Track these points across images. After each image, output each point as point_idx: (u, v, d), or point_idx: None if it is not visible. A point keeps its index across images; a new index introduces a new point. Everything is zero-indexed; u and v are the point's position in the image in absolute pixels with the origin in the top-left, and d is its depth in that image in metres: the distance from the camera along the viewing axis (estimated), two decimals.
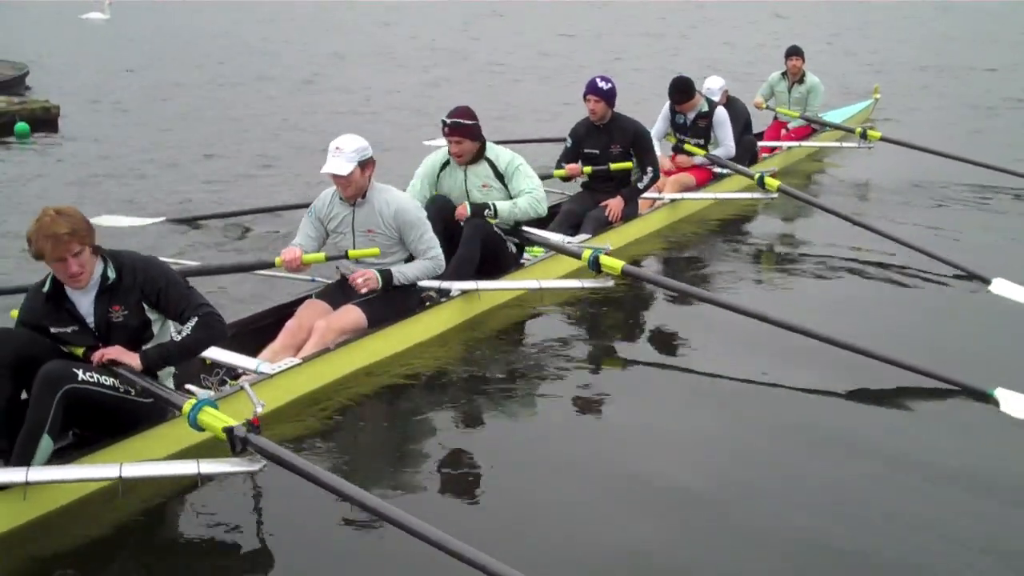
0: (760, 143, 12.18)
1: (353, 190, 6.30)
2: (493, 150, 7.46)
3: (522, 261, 7.83)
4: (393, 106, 18.48)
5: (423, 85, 21.57)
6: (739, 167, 10.29)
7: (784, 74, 12.97)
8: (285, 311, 6.52)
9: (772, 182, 9.78)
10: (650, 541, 4.61)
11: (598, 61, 25.25)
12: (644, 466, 5.28)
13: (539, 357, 6.75)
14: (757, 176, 9.84)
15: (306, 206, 6.79)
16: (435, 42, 32.14)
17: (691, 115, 10.25)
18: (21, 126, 14.69)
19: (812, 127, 13.14)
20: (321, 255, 6.41)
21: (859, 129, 12.47)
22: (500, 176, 7.43)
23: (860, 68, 24.32)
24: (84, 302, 4.85)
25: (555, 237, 8.01)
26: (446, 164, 7.52)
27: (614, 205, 8.83)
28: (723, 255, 9.23)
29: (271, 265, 6.53)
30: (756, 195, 9.90)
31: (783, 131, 13.06)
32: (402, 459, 5.49)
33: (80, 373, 4.67)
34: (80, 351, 4.85)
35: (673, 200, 9.80)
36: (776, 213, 10.68)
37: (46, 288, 4.85)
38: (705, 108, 10.26)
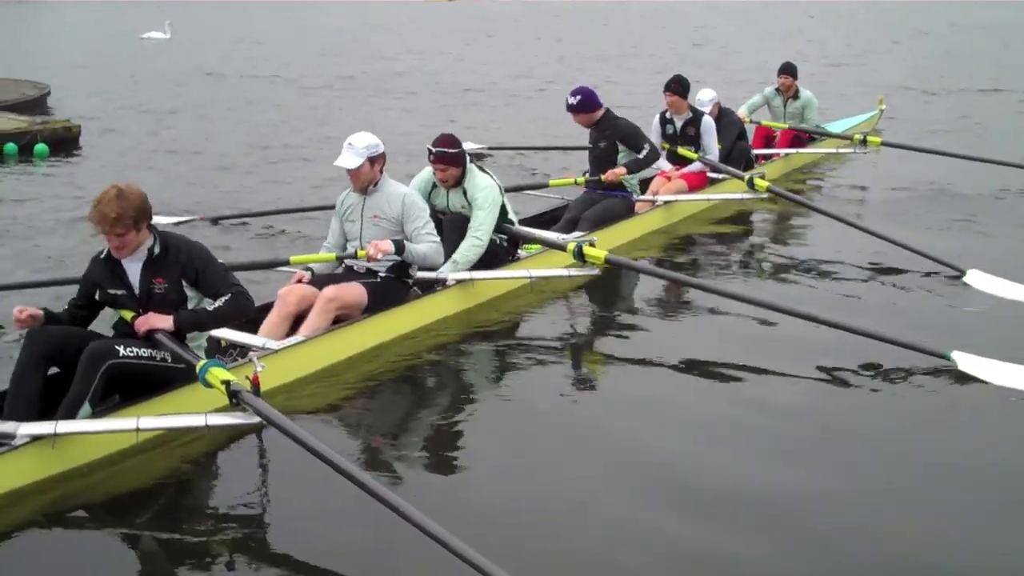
0: (757, 151, 12.61)
1: (362, 182, 6.98)
2: (472, 178, 7.89)
3: (518, 257, 8.38)
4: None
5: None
6: (731, 169, 10.83)
7: (778, 89, 13.40)
8: None
9: (761, 183, 10.31)
10: (643, 522, 4.84)
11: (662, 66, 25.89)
12: (635, 444, 5.62)
13: (532, 343, 7.28)
14: (747, 178, 10.38)
15: (324, 208, 7.47)
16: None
17: (679, 122, 10.82)
18: (40, 148, 14.95)
19: (807, 136, 13.51)
20: (332, 255, 7.13)
21: (858, 136, 12.93)
22: (469, 202, 7.91)
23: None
24: (133, 270, 5.56)
25: (543, 232, 8.58)
26: (436, 184, 8.05)
27: (614, 170, 9.52)
28: (713, 250, 9.78)
29: (286, 263, 7.28)
30: (747, 195, 10.40)
31: (773, 140, 13.40)
32: (393, 436, 5.97)
33: (121, 349, 5.37)
34: (128, 316, 5.54)
35: (667, 202, 10.31)
36: (769, 215, 11.19)
37: (103, 255, 5.58)
38: (691, 115, 10.83)
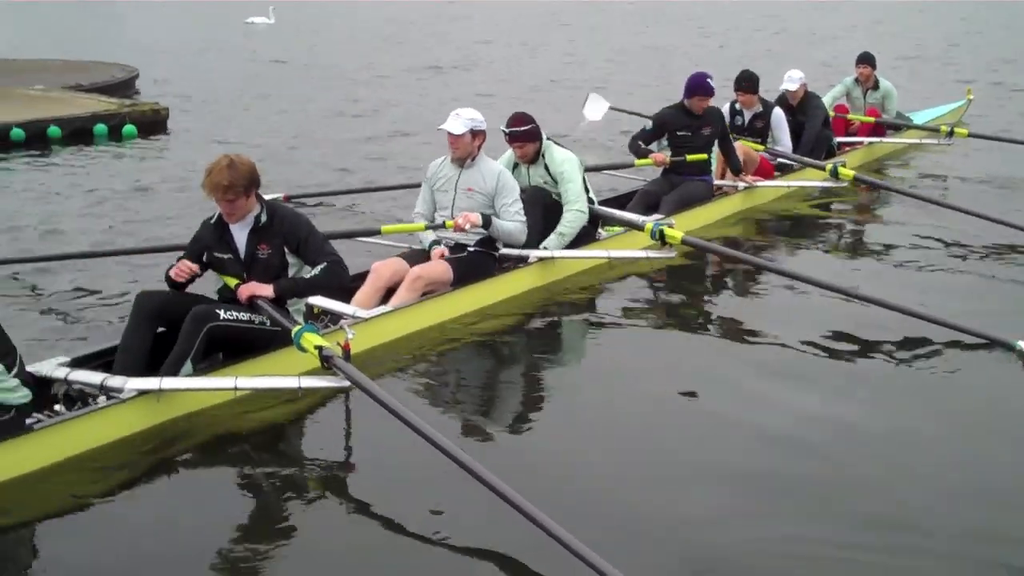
0: (838, 139, 12.55)
1: (461, 152, 7.23)
2: (550, 152, 8.14)
3: (598, 236, 8.54)
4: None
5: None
6: (807, 160, 10.86)
7: (857, 80, 13.31)
8: None
9: (846, 171, 10.35)
10: (714, 499, 4.88)
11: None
12: (706, 423, 5.72)
13: (609, 321, 7.43)
14: (830, 167, 10.41)
15: (408, 187, 7.68)
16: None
17: (748, 115, 10.87)
18: (128, 129, 15.37)
19: (888, 126, 13.40)
20: (422, 225, 7.37)
21: (944, 127, 12.84)
22: (553, 177, 8.15)
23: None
24: (240, 236, 5.92)
25: (623, 212, 8.71)
26: (517, 163, 8.27)
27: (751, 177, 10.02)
28: (792, 236, 9.80)
29: (377, 232, 7.66)
30: (829, 183, 10.43)
31: (853, 130, 13.25)
32: (472, 404, 6.18)
33: (222, 313, 5.71)
34: (232, 283, 5.86)
35: (747, 187, 10.37)
36: (848, 203, 11.14)
37: (213, 220, 5.95)
38: (760, 109, 10.88)
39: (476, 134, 7.25)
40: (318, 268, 5.87)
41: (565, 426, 5.77)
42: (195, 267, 5.92)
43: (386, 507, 4.81)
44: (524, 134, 8.00)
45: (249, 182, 5.72)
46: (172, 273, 5.92)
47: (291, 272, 5.95)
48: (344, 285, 6.24)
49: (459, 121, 7.20)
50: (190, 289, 6.03)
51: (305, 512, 4.83)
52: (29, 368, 5.55)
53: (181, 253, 6.12)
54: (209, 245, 5.98)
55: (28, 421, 5.20)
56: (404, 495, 4.93)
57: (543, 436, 5.67)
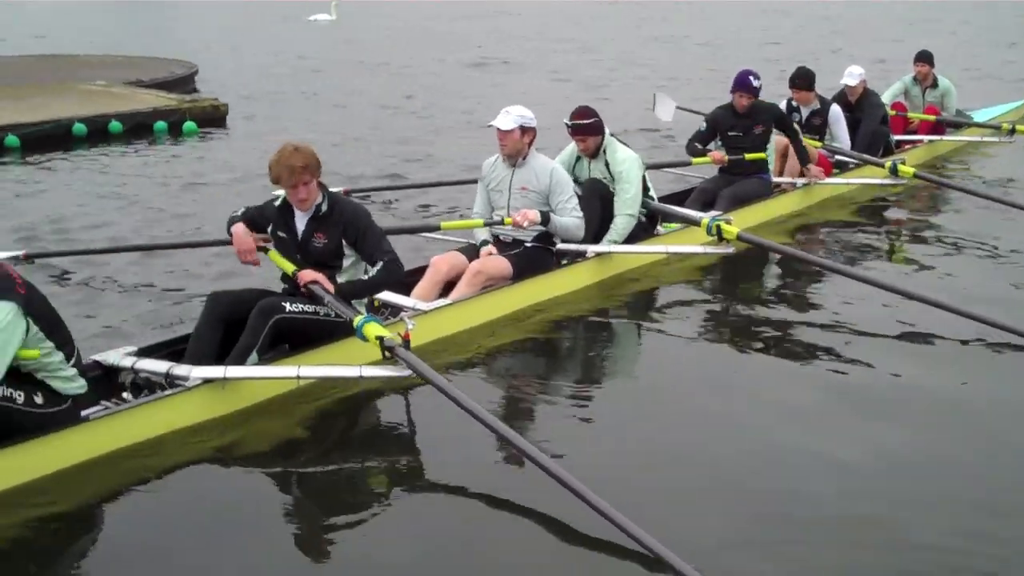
0: (896, 137, 12.43)
1: (511, 148, 7.23)
2: (612, 149, 8.14)
3: (656, 233, 8.53)
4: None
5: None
6: (866, 156, 10.76)
7: (915, 78, 13.18)
8: None
9: (906, 169, 10.25)
10: (770, 496, 4.87)
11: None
12: (761, 421, 5.68)
13: (666, 316, 7.43)
14: (889, 164, 10.31)
15: (465, 183, 7.72)
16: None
17: (805, 112, 10.79)
18: (188, 125, 15.57)
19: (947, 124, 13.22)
20: (480, 221, 7.41)
21: (1007, 125, 12.68)
22: (612, 175, 8.14)
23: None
24: (301, 221, 6.02)
25: (680, 208, 8.69)
26: (579, 156, 8.32)
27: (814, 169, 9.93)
28: (850, 235, 9.67)
29: (436, 228, 7.73)
30: (889, 180, 10.34)
31: (912, 128, 13.10)
32: (529, 394, 6.20)
33: (287, 306, 5.82)
34: (290, 269, 5.95)
35: (806, 185, 10.30)
36: (907, 201, 11.01)
37: (278, 203, 6.11)
38: (818, 106, 10.80)
39: (526, 131, 7.25)
40: (376, 268, 5.93)
41: (619, 419, 5.80)
42: (259, 240, 6.15)
43: (447, 494, 4.88)
44: (586, 127, 8.02)
45: (316, 165, 5.84)
46: (245, 254, 6.15)
47: (345, 263, 6.03)
48: (400, 281, 6.31)
49: (509, 118, 7.21)
50: (258, 284, 6.19)
51: (367, 501, 4.89)
52: (97, 357, 5.73)
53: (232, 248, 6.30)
54: (274, 223, 6.14)
55: (94, 409, 5.31)
56: (465, 482, 4.97)
57: (600, 430, 5.68)
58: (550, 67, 25.18)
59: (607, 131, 8.15)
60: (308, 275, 5.86)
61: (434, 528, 4.64)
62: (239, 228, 6.18)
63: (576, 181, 8.03)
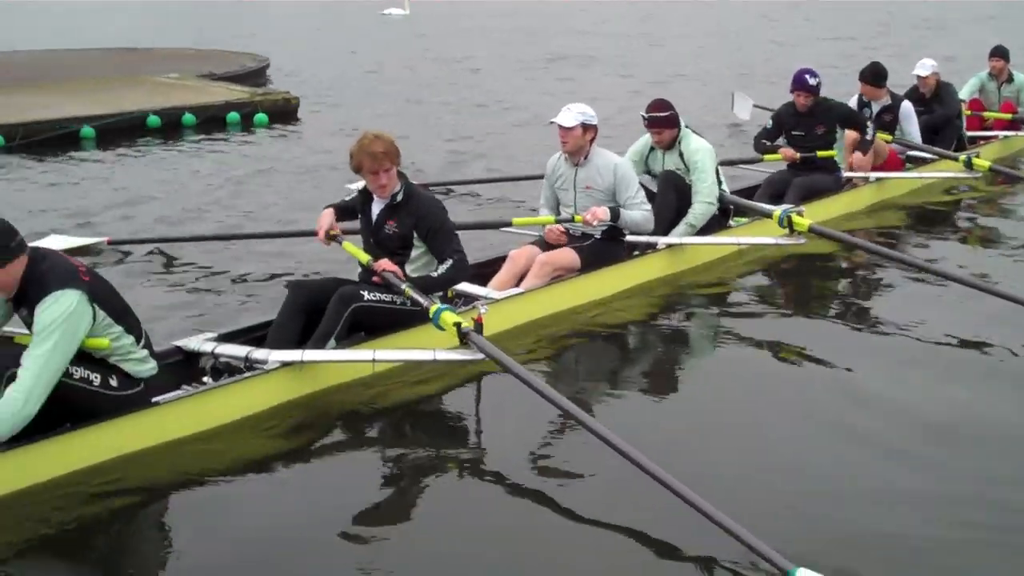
0: (970, 133, 12.21)
1: (572, 146, 7.22)
2: (687, 140, 8.17)
3: (728, 226, 8.50)
4: None
5: None
6: (938, 150, 10.63)
7: (991, 74, 12.95)
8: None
9: (981, 162, 10.10)
10: (841, 484, 4.85)
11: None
12: (834, 411, 5.61)
13: (737, 308, 7.40)
14: (963, 158, 10.17)
15: (535, 177, 7.84)
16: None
17: (876, 108, 10.66)
18: (260, 117, 15.80)
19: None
20: (551, 218, 7.46)
21: None
22: (687, 165, 8.16)
23: None
24: (376, 208, 6.16)
25: (751, 201, 8.68)
26: (653, 147, 8.35)
27: (859, 159, 9.72)
28: (923, 229, 9.57)
29: (508, 224, 7.80)
30: (963, 175, 10.21)
31: (987, 125, 12.88)
32: (600, 382, 6.27)
33: (366, 294, 5.95)
34: (365, 259, 6.09)
35: (878, 179, 10.19)
36: (983, 196, 10.84)
37: (361, 188, 6.36)
38: (888, 101, 10.67)
39: (587, 128, 7.21)
40: (444, 265, 6.04)
41: (694, 409, 5.81)
42: (334, 226, 6.36)
43: (519, 477, 4.92)
44: (662, 120, 8.05)
45: (395, 153, 5.96)
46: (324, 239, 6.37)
47: (413, 254, 6.12)
48: (467, 278, 6.37)
49: (570, 115, 7.19)
50: (337, 274, 6.37)
51: (440, 484, 4.94)
52: (178, 343, 5.87)
53: (309, 239, 6.46)
54: (357, 207, 6.35)
55: (175, 392, 5.42)
56: (536, 465, 5.05)
57: (673, 418, 5.71)
58: (621, 63, 25.17)
59: (683, 123, 8.16)
60: (384, 263, 5.98)
61: (507, 511, 4.68)
62: (326, 210, 6.41)
63: (650, 173, 8.07)
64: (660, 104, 8.12)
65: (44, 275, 4.74)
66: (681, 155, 8.12)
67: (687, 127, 8.21)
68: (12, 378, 4.68)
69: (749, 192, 9.67)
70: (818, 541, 4.37)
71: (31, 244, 4.89)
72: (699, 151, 8.06)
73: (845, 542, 4.38)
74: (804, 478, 4.94)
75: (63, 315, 4.66)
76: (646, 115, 8.11)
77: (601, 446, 4.61)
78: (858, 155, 9.87)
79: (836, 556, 4.20)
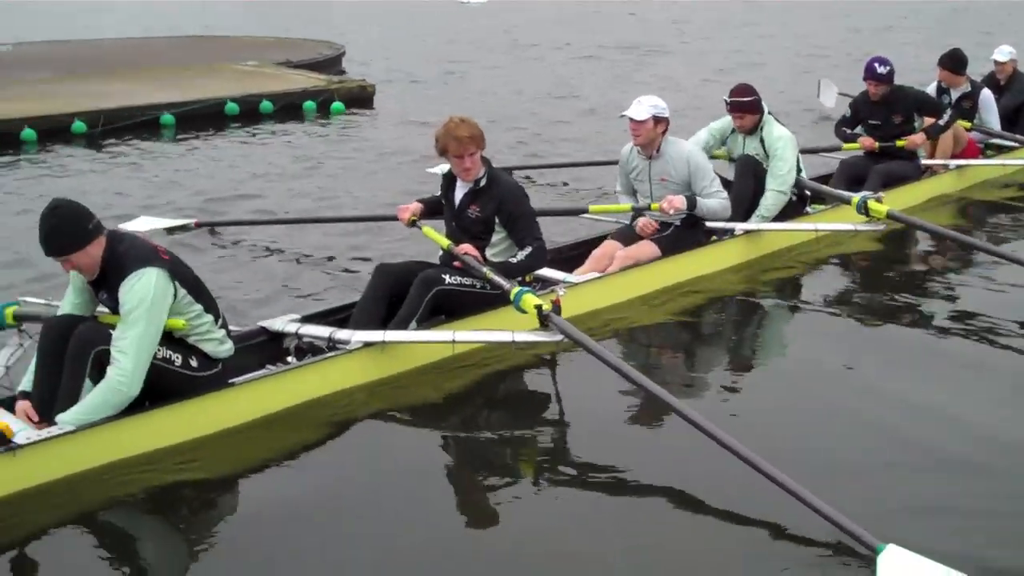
0: None
1: (644, 138, 7.22)
2: (769, 126, 8.15)
3: (805, 212, 8.45)
4: None
5: None
6: (1020, 137, 10.46)
7: None
8: (588, 245, 7.59)
9: None
10: (914, 478, 4.77)
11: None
12: (911, 403, 5.50)
13: (815, 295, 7.38)
14: None
15: (606, 163, 8.05)
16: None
17: (955, 95, 10.49)
18: (336, 105, 15.94)
19: None
20: (627, 206, 7.51)
21: None
22: (767, 151, 8.13)
23: None
24: (460, 192, 6.26)
25: (829, 187, 8.61)
26: (734, 130, 8.35)
27: (912, 137, 9.44)
28: (1004, 217, 9.44)
29: (584, 211, 7.87)
30: None
31: None
32: (677, 366, 6.33)
33: (447, 278, 6.05)
34: (446, 244, 6.19)
35: (958, 167, 10.06)
36: None
37: (446, 172, 6.44)
38: (968, 88, 10.51)
39: (659, 121, 7.18)
40: (524, 252, 6.11)
41: (773, 391, 5.84)
42: (416, 208, 6.62)
43: (599, 457, 4.97)
44: (746, 105, 8.05)
45: (480, 137, 6.05)
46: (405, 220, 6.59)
47: (494, 238, 6.21)
48: (544, 265, 6.43)
49: (642, 108, 7.17)
50: (421, 258, 6.50)
51: (521, 465, 5.03)
52: (263, 323, 6.01)
53: (390, 223, 6.63)
54: (442, 191, 6.46)
55: (259, 372, 5.56)
56: (617, 445, 5.10)
57: (753, 400, 5.71)
58: (698, 51, 24.99)
59: (766, 109, 8.15)
60: (466, 247, 6.09)
61: (589, 490, 4.73)
62: (415, 201, 6.68)
63: (728, 157, 8.06)
64: (744, 89, 8.12)
65: (123, 256, 4.86)
66: (762, 141, 8.11)
67: (770, 114, 8.19)
68: (99, 356, 4.84)
69: (825, 179, 9.60)
70: (906, 518, 4.37)
71: (120, 226, 5.03)
72: (781, 139, 8.04)
73: (933, 519, 4.39)
74: (889, 458, 4.93)
75: (149, 292, 4.78)
76: (729, 99, 8.13)
77: (685, 427, 4.65)
78: (919, 136, 9.50)
79: (924, 532, 4.21)
